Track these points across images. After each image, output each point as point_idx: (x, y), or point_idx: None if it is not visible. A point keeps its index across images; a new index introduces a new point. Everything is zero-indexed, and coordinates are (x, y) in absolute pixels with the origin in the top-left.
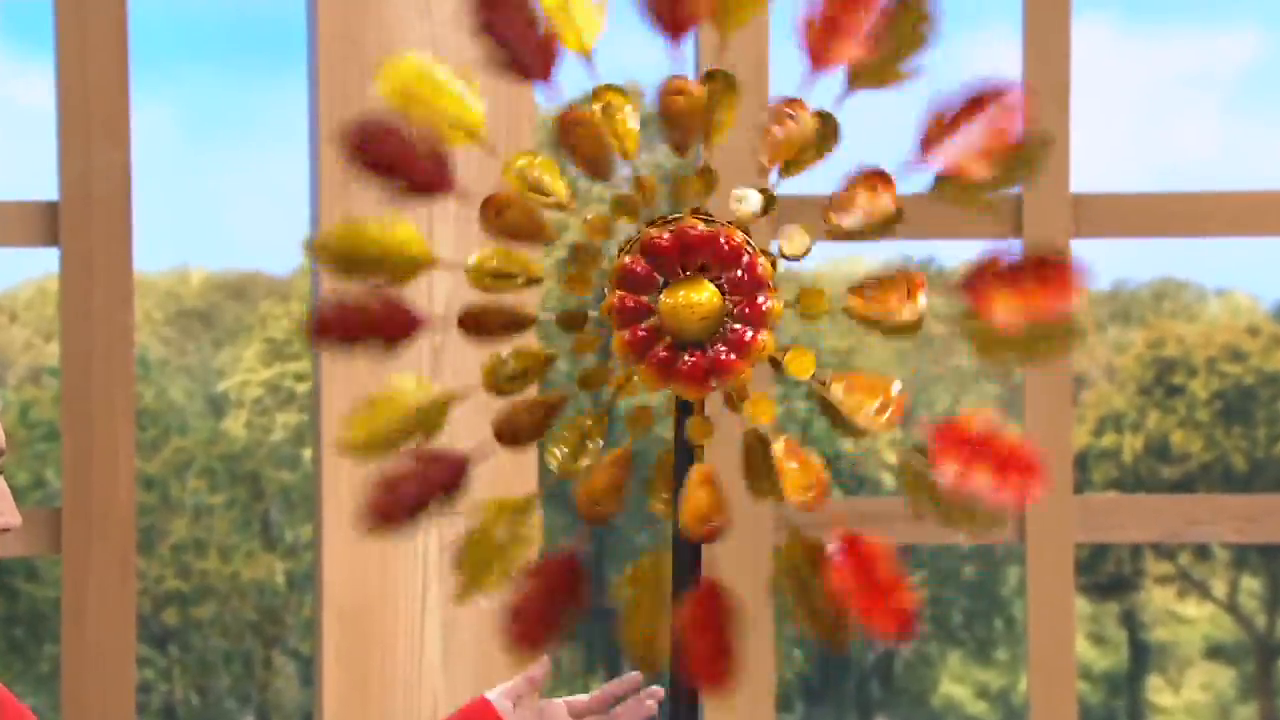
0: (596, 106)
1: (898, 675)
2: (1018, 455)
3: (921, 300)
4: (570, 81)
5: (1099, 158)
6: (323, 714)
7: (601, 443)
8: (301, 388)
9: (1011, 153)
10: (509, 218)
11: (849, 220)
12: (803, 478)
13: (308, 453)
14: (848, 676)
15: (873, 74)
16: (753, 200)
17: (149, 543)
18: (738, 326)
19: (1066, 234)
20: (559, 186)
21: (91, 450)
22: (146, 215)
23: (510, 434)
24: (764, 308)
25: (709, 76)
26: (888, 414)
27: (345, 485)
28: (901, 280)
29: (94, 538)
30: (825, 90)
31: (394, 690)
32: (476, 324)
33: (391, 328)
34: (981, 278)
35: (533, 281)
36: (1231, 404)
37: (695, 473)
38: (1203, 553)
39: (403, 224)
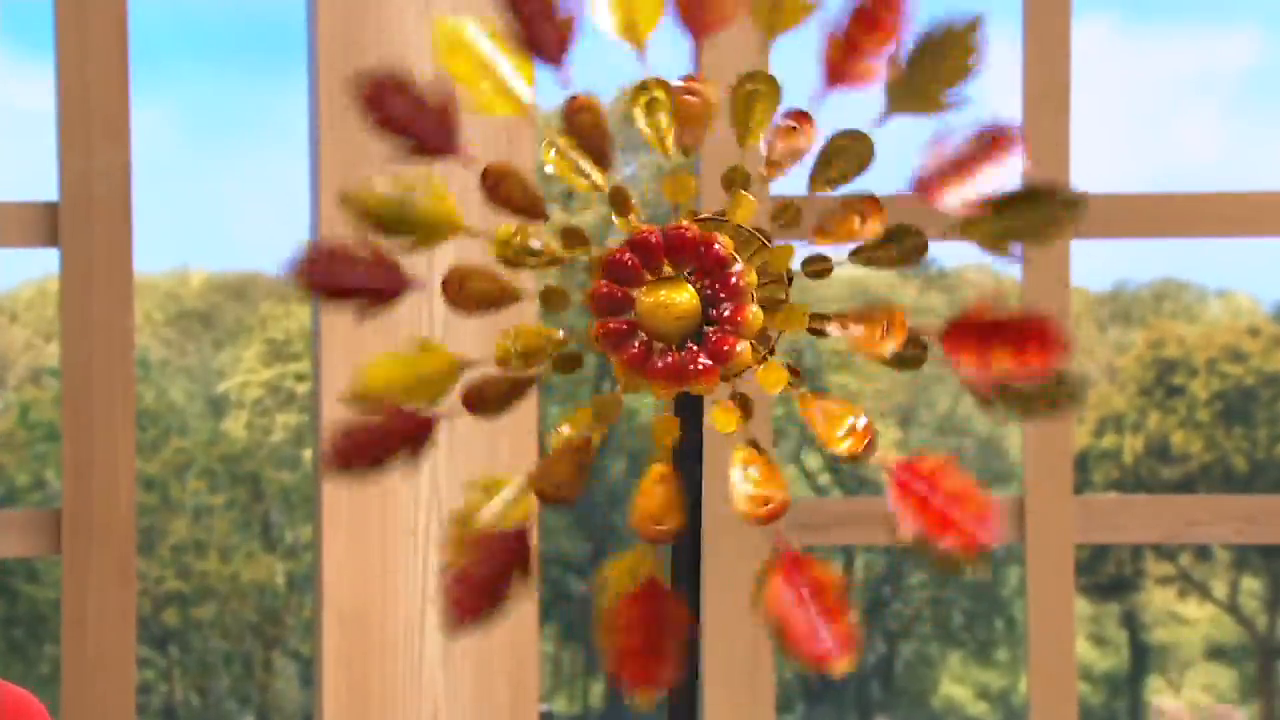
0: (643, 100)
1: (898, 676)
2: (970, 502)
3: (899, 339)
4: (615, 73)
5: (1100, 158)
6: (323, 715)
7: (606, 428)
8: (302, 388)
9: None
10: (504, 190)
11: (837, 246)
12: (760, 489)
13: (308, 454)
14: (848, 677)
15: (914, 99)
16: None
17: (149, 543)
18: (717, 333)
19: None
20: (595, 169)
21: (92, 451)
22: (147, 216)
23: (478, 402)
24: (744, 318)
25: (749, 77)
26: (849, 443)
27: (345, 487)
28: (882, 316)
29: (94, 538)
30: (864, 109)
31: (394, 692)
32: (460, 293)
33: (382, 283)
34: (961, 331)
35: (554, 261)
36: (1232, 405)
37: (652, 471)
38: (1203, 553)
39: (435, 186)
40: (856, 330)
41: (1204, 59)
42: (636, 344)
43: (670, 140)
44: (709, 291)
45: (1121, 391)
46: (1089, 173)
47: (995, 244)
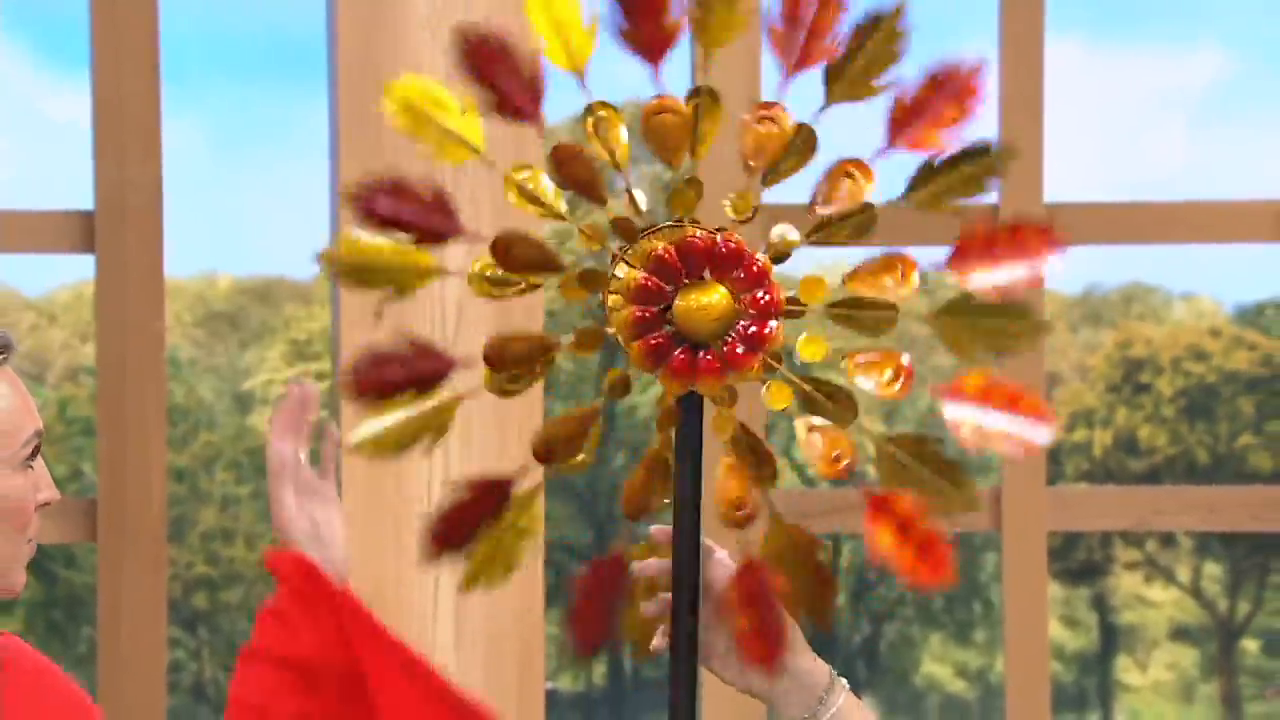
0: (589, 121)
1: (882, 655)
2: (1025, 401)
3: (915, 280)
4: (564, 98)
5: (1072, 169)
6: None
7: (596, 432)
8: (322, 386)
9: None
10: (518, 254)
11: (832, 209)
12: (829, 448)
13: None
14: (835, 657)
15: (848, 87)
16: (792, 232)
17: (179, 531)
18: (749, 323)
19: None
20: (556, 198)
21: (125, 445)
22: (177, 223)
23: (548, 452)
24: (771, 300)
25: (694, 93)
26: (900, 382)
27: (361, 477)
28: (895, 262)
29: (128, 527)
30: (804, 103)
31: None
32: (500, 356)
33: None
34: (963, 250)
35: (532, 287)
36: (1195, 401)
37: (723, 463)
38: (1168, 540)
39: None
40: (869, 280)
41: (1169, 76)
42: (680, 352)
43: (622, 157)
44: (732, 286)
45: (1091, 389)
46: (1062, 183)
47: (939, 203)
